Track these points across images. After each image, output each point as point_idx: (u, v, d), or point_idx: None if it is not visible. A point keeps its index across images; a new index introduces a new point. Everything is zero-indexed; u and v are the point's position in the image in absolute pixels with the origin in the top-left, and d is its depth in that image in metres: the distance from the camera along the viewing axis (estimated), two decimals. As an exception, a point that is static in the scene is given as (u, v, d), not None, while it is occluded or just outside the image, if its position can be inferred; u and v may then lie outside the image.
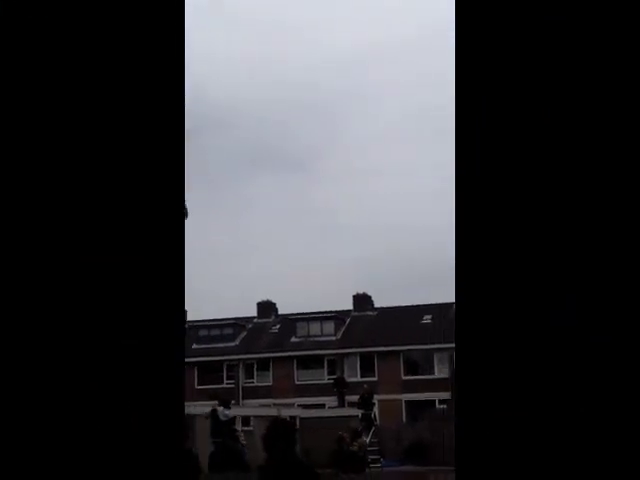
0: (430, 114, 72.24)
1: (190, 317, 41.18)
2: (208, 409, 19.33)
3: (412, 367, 40.73)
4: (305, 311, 45.13)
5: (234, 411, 21.84)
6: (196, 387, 41.06)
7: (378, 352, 40.67)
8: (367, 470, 21.62)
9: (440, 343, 39.63)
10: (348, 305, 45.88)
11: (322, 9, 78.00)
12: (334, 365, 41.59)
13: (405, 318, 42.21)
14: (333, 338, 42.93)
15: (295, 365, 42.69)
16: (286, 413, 27.62)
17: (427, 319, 42.01)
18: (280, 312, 47.40)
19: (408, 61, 74.91)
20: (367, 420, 26.84)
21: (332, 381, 37.48)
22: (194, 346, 43.34)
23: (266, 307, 47.54)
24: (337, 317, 44.19)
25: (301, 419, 26.85)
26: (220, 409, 18.85)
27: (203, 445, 18.34)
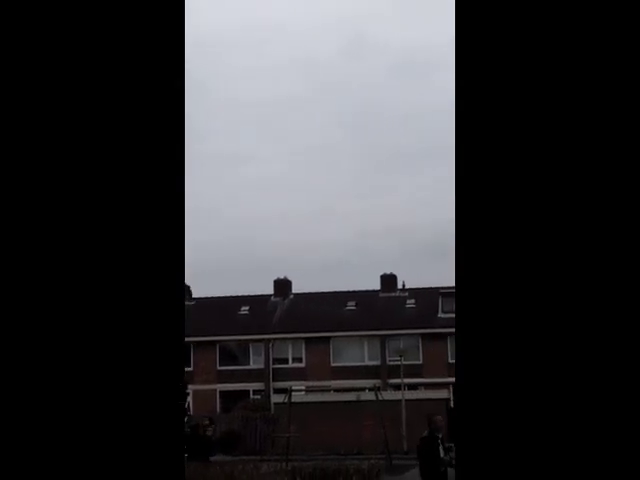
0: (288, 103, 72.48)
1: None
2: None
3: (228, 357, 40.92)
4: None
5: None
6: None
7: (194, 342, 40.49)
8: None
9: (256, 334, 40.08)
10: (166, 294, 45.27)
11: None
12: (149, 354, 40.96)
13: (222, 309, 42.29)
14: (149, 327, 42.30)
15: (109, 354, 41.71)
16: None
17: (245, 310, 42.31)
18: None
19: (274, 47, 74.55)
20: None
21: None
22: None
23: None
24: (154, 306, 43.52)
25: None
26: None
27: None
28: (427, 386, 36.48)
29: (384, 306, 41.35)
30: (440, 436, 10.36)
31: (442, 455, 10.17)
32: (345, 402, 30.28)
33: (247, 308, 42.43)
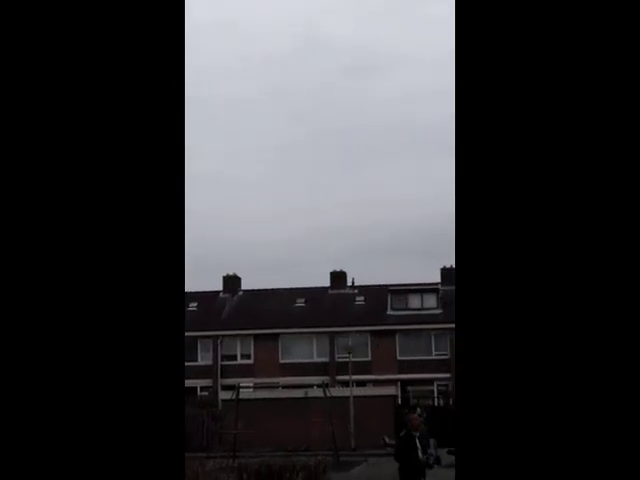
0: (242, 101, 72.19)
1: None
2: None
3: (175, 354, 40.66)
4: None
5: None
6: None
7: (142, 338, 40.19)
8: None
9: (204, 330, 39.87)
10: (113, 290, 44.84)
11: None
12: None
13: (171, 305, 41.99)
14: (95, 323, 41.84)
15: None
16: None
17: (193, 307, 42.06)
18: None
19: (222, 45, 74.19)
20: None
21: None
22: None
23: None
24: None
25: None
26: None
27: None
28: (375, 383, 36.68)
29: (333, 303, 41.44)
30: (418, 435, 10.15)
31: (420, 456, 9.98)
32: (293, 399, 30.31)
33: (195, 304, 42.18)
